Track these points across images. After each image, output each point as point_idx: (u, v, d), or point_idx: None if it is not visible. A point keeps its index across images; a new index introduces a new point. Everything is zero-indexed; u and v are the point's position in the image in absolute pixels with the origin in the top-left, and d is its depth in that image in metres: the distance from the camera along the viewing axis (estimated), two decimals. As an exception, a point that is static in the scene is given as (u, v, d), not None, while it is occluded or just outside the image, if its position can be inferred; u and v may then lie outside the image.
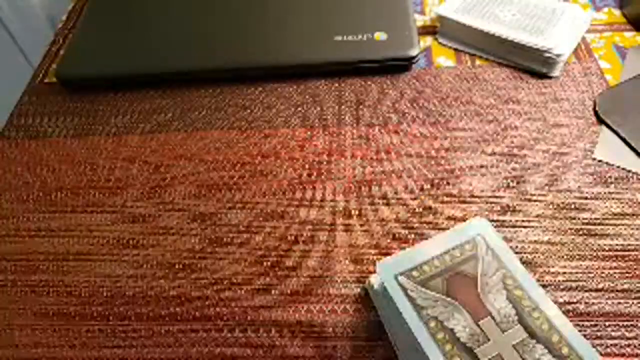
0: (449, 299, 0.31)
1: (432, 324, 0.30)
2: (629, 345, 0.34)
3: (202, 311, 0.38)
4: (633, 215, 0.40)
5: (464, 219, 0.41)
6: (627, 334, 0.35)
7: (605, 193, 0.41)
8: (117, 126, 0.50)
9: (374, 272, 0.38)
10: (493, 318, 0.31)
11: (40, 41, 0.80)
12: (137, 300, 0.39)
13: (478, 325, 0.30)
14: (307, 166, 0.45)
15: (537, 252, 0.39)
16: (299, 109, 0.50)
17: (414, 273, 0.32)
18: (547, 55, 0.48)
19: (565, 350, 0.29)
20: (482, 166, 0.44)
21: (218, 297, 0.38)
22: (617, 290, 0.37)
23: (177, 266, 0.40)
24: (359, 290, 0.38)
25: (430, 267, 0.33)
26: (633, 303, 0.36)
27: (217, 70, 0.52)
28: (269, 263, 0.40)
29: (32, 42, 0.81)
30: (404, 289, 0.32)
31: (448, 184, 0.43)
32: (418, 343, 0.30)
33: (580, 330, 0.35)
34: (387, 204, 0.42)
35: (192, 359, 0.36)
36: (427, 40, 0.54)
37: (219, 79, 0.53)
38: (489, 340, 0.30)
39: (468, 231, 0.34)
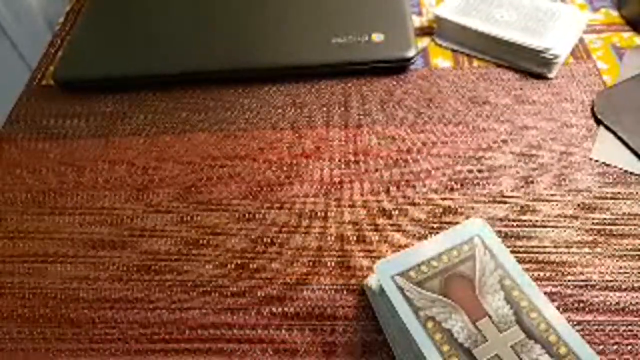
0: (446, 299, 0.31)
1: (430, 324, 0.30)
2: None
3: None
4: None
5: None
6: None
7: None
8: (114, 128, 0.50)
9: (372, 272, 0.38)
10: (491, 318, 0.30)
11: (38, 43, 0.80)
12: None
13: (476, 326, 0.30)
14: (310, 166, 0.45)
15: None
16: (298, 110, 0.50)
17: (412, 273, 0.32)
18: (545, 55, 0.48)
19: (563, 351, 0.29)
20: (481, 167, 0.44)
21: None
22: None
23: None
24: (356, 290, 0.38)
25: (428, 267, 0.33)
26: None
27: (215, 72, 0.52)
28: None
29: (29, 44, 0.81)
30: (401, 290, 0.32)
31: (454, 185, 0.43)
32: (416, 344, 0.30)
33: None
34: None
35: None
36: (425, 41, 0.54)
37: (217, 80, 0.53)
38: (486, 340, 0.30)
39: (466, 231, 0.34)
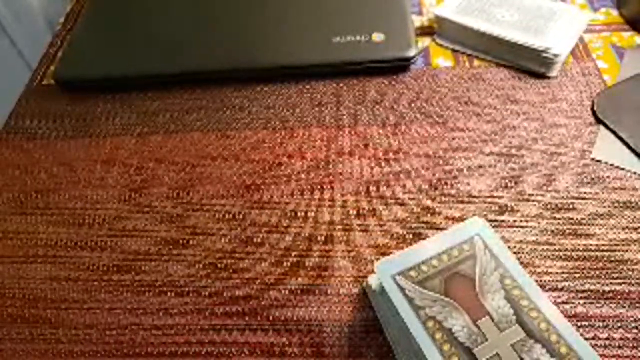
0: (447, 298, 0.31)
1: (430, 323, 0.30)
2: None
3: (198, 306, 0.38)
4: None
5: (462, 219, 0.41)
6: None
7: (595, 193, 0.41)
8: (114, 128, 0.50)
9: (373, 272, 0.38)
10: (491, 318, 0.30)
11: (39, 43, 0.80)
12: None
13: (476, 325, 0.30)
14: (313, 166, 0.45)
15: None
16: (297, 110, 0.50)
17: (412, 273, 0.32)
18: (545, 55, 0.48)
19: (563, 350, 0.29)
20: (480, 166, 0.44)
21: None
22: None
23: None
24: (357, 290, 0.38)
25: (428, 267, 0.33)
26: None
27: (215, 72, 0.52)
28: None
29: (30, 44, 0.81)
30: (402, 289, 0.32)
31: (447, 184, 0.43)
32: (416, 343, 0.30)
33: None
34: (386, 204, 0.42)
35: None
36: (425, 41, 0.54)
37: (216, 80, 0.53)
38: (487, 340, 0.30)
39: (466, 231, 0.34)
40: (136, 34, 0.55)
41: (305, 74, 0.52)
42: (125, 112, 0.51)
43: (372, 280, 0.36)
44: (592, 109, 0.47)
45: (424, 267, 0.33)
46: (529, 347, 0.29)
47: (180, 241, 0.41)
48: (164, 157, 0.47)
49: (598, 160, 0.43)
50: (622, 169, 0.43)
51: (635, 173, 0.42)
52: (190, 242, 0.41)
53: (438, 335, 0.30)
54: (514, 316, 0.30)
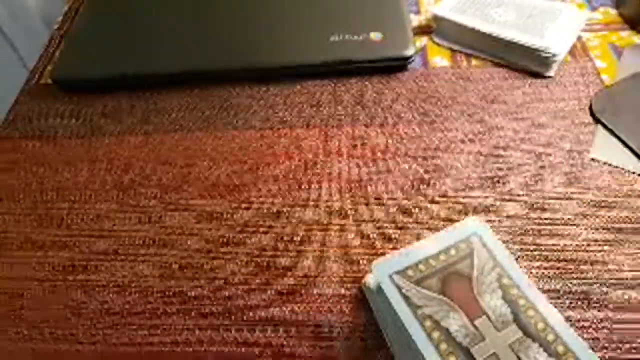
0: (444, 298, 0.31)
1: (428, 323, 0.30)
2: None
3: (200, 309, 0.38)
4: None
5: (451, 219, 0.41)
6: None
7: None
8: (112, 127, 0.50)
9: (369, 271, 0.38)
10: (488, 317, 0.30)
11: (36, 43, 0.79)
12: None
13: (473, 325, 0.30)
14: (302, 166, 0.45)
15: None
16: (295, 109, 0.50)
17: (410, 272, 0.32)
18: (543, 54, 0.48)
19: (560, 349, 0.29)
20: (478, 166, 0.44)
21: (214, 297, 0.38)
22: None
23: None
24: (354, 290, 0.38)
25: (426, 266, 0.33)
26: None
27: (213, 71, 0.52)
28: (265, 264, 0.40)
29: (27, 44, 0.81)
30: (399, 288, 0.32)
31: (435, 184, 0.43)
32: (413, 342, 0.30)
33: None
34: (382, 204, 0.42)
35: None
36: (423, 40, 0.54)
37: (214, 79, 0.53)
38: (484, 339, 0.30)
39: (464, 230, 0.34)
40: (134, 33, 0.55)
41: (302, 73, 0.52)
42: (123, 112, 0.51)
43: (370, 280, 0.36)
44: (590, 108, 0.47)
45: (421, 267, 0.33)
46: (526, 346, 0.29)
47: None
48: (158, 157, 0.47)
49: (597, 160, 0.43)
50: (620, 168, 0.43)
51: (629, 171, 0.42)
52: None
53: (435, 335, 0.30)
54: (511, 315, 0.30)
